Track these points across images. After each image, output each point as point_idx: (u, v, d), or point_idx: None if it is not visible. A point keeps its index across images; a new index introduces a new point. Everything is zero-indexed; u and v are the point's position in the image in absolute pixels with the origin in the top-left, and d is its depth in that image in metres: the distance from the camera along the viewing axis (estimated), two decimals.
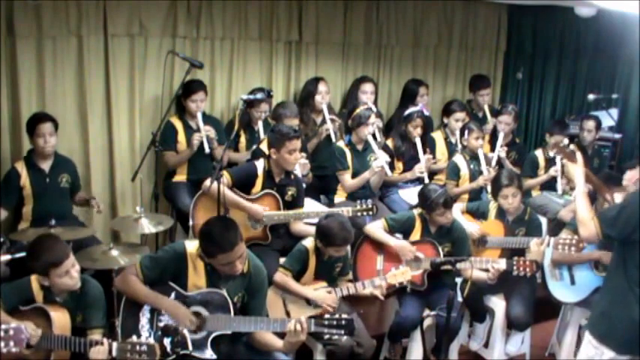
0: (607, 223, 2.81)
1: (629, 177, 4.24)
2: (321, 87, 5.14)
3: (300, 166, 4.30)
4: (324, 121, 5.01)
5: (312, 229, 3.77)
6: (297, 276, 3.65)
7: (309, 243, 3.69)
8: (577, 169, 3.19)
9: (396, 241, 3.96)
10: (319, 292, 3.59)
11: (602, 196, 3.43)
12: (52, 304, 2.90)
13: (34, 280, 2.93)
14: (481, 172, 4.88)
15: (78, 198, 4.30)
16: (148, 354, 2.68)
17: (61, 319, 2.85)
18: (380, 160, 4.57)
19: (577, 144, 5.72)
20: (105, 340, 2.72)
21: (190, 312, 2.98)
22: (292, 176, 4.16)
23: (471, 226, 4.21)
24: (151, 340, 2.75)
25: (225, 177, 3.95)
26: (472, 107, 5.97)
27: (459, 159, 5.02)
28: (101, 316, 3.00)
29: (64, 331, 2.83)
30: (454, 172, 4.97)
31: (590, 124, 5.56)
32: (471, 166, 4.97)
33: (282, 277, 3.60)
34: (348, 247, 4.01)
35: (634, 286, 2.73)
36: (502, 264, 3.76)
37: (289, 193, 4.09)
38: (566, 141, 3.38)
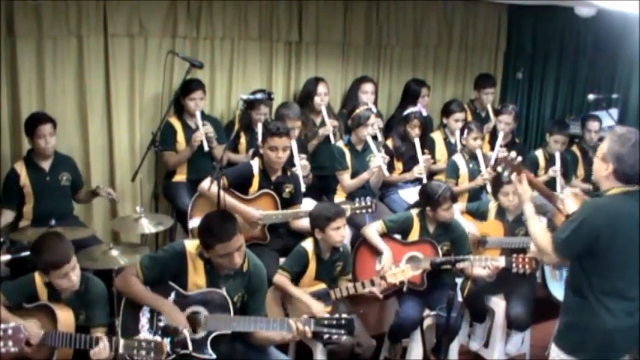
0: (565, 247, 2.72)
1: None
2: (321, 88, 5.11)
3: (300, 167, 4.30)
4: (323, 123, 5.01)
5: None
6: (297, 277, 3.64)
7: (308, 245, 3.68)
8: (524, 189, 3.01)
9: (386, 252, 3.95)
10: (312, 300, 3.54)
11: (552, 204, 3.32)
12: (57, 301, 2.91)
13: (38, 277, 2.94)
14: (480, 172, 4.88)
15: (82, 195, 4.29)
16: (154, 351, 2.67)
17: (66, 317, 2.86)
18: (377, 160, 4.56)
19: (578, 145, 5.74)
20: (104, 337, 2.71)
21: (186, 319, 2.95)
22: (289, 173, 4.16)
23: (469, 226, 4.21)
24: (158, 338, 2.74)
25: (222, 178, 3.95)
26: (475, 106, 5.97)
27: (459, 158, 5.02)
28: (104, 314, 3.00)
29: (69, 329, 2.84)
30: (453, 172, 4.97)
31: (595, 124, 5.53)
32: (470, 166, 4.97)
33: (280, 279, 3.59)
34: (349, 247, 4.01)
35: (601, 296, 2.69)
36: (501, 261, 3.76)
37: (287, 190, 4.10)
38: (513, 154, 3.16)
